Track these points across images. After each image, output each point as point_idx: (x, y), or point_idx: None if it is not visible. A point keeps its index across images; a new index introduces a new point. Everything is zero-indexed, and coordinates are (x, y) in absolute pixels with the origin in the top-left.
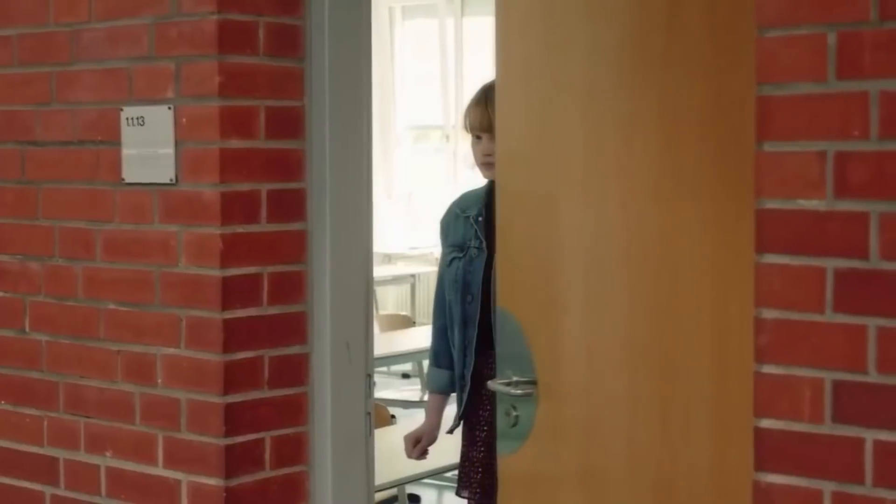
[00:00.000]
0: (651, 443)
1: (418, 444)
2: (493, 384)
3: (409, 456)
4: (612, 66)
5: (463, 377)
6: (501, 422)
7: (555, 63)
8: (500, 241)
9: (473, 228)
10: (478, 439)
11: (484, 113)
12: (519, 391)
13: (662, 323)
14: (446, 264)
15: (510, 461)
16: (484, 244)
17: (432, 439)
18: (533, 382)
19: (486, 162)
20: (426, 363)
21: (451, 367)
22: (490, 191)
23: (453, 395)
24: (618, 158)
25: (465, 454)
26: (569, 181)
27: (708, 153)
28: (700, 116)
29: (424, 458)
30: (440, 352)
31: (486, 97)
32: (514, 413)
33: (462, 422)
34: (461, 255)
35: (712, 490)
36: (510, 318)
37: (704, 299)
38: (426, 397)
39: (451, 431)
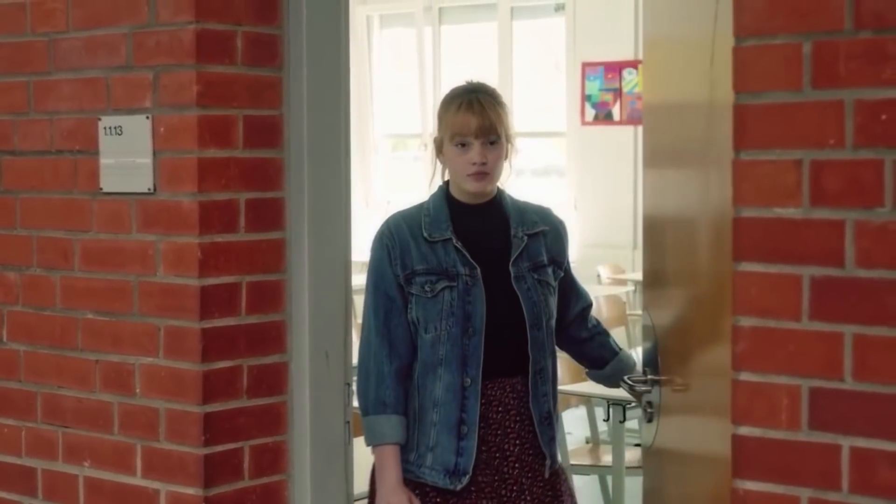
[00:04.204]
0: (708, 436)
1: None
2: (630, 379)
3: None
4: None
5: (464, 422)
6: (642, 416)
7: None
8: (646, 253)
9: (455, 253)
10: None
11: (484, 115)
12: (643, 388)
13: (713, 334)
14: (428, 295)
15: (647, 452)
16: (478, 271)
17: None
18: (659, 381)
19: (478, 171)
20: None
21: (406, 414)
22: (455, 210)
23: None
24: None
25: None
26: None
27: None
28: None
29: None
30: (399, 398)
31: (479, 101)
32: (650, 410)
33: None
34: (453, 283)
35: None
36: (649, 321)
37: None
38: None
39: (455, 487)
